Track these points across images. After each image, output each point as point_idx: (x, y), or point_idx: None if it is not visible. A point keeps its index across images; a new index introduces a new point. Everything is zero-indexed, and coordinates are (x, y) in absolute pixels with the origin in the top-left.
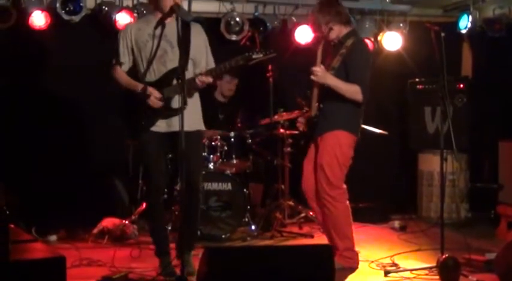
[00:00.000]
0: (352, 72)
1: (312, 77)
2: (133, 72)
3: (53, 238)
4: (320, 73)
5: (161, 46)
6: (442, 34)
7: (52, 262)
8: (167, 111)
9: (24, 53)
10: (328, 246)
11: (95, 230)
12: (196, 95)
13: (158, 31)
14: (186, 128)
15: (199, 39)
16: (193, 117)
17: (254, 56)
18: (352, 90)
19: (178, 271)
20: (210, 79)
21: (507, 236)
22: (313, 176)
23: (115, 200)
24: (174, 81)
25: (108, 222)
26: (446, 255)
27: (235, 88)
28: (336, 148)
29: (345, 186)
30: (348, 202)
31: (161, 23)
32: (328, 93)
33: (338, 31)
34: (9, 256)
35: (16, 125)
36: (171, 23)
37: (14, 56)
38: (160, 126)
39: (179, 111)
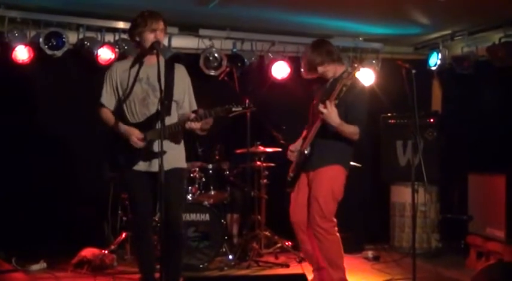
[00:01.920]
0: (353, 113)
1: (324, 115)
2: (121, 110)
3: (34, 267)
4: (333, 113)
5: (144, 89)
6: (413, 71)
7: None
8: (148, 154)
9: (7, 86)
10: (302, 275)
11: (75, 260)
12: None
13: (135, 70)
14: (167, 166)
15: (183, 81)
16: (174, 156)
17: (234, 109)
18: (352, 131)
19: None
20: (198, 125)
21: (476, 266)
22: (304, 209)
23: (95, 230)
24: (157, 125)
25: (88, 252)
26: None
27: (211, 123)
28: (333, 181)
29: (335, 219)
30: (338, 234)
31: (139, 61)
32: (325, 130)
33: (334, 69)
34: None
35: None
36: (154, 65)
37: None
38: (143, 166)
39: (159, 154)
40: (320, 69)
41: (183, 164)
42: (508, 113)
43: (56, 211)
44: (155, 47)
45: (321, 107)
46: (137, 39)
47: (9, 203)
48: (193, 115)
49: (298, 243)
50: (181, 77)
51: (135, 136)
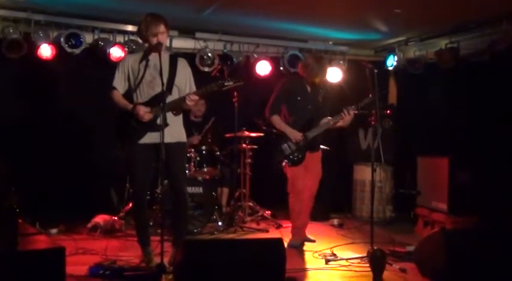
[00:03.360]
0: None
1: (345, 119)
2: (129, 95)
3: (54, 231)
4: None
5: (151, 73)
6: (375, 71)
7: (54, 252)
8: (154, 127)
9: (33, 79)
10: (279, 239)
11: (89, 225)
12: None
13: (143, 64)
14: (171, 139)
15: (184, 70)
16: (176, 130)
17: (226, 84)
18: None
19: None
20: (196, 97)
21: (423, 233)
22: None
23: (106, 200)
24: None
25: (100, 218)
26: (375, 247)
27: (204, 108)
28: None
29: None
30: None
31: (145, 57)
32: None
33: None
34: (18, 246)
35: (27, 139)
36: (162, 56)
37: (25, 81)
38: (148, 138)
39: (168, 125)
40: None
41: (184, 138)
42: (451, 107)
43: (74, 183)
44: (157, 47)
45: (346, 112)
46: (143, 40)
47: (34, 175)
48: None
49: (299, 208)
50: (183, 68)
51: (142, 110)
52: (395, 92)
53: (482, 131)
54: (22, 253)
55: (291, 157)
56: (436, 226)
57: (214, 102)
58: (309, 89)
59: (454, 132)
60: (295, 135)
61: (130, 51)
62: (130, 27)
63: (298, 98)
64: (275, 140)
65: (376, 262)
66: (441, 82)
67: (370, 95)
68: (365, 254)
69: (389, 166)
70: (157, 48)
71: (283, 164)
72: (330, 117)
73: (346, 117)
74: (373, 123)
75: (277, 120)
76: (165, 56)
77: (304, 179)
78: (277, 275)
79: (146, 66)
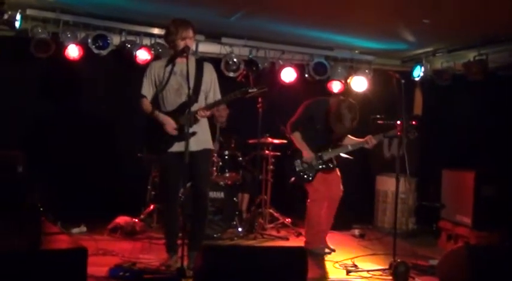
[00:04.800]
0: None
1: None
2: (157, 101)
3: (76, 230)
4: None
5: (178, 81)
6: (403, 81)
7: (76, 252)
8: (182, 136)
9: (60, 79)
10: (302, 248)
11: (110, 226)
12: (206, 120)
13: (169, 68)
14: (196, 147)
15: (210, 76)
16: (202, 138)
17: (250, 91)
18: None
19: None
20: (207, 113)
21: (446, 246)
22: None
23: (127, 202)
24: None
25: (121, 219)
26: (399, 260)
27: (226, 114)
28: None
29: None
30: None
31: (172, 61)
32: None
33: None
34: (41, 245)
35: (52, 138)
36: (185, 63)
37: (51, 81)
38: (176, 147)
39: (187, 136)
40: None
41: (210, 145)
42: (478, 120)
43: (97, 183)
44: (185, 51)
45: (369, 142)
46: (171, 44)
47: (57, 174)
48: (212, 100)
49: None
50: (209, 73)
51: (170, 125)
52: (421, 103)
53: (510, 146)
54: (45, 252)
55: (301, 173)
56: (460, 240)
57: (239, 108)
58: None
59: (480, 145)
60: (308, 155)
61: (156, 55)
62: (157, 30)
63: (318, 127)
64: (291, 154)
65: (400, 275)
66: (468, 94)
67: (398, 131)
68: (387, 267)
69: (413, 177)
70: (184, 52)
71: (292, 179)
72: (349, 146)
73: (367, 146)
74: (398, 133)
75: (296, 137)
76: (192, 61)
77: (325, 188)
78: None
79: (171, 72)
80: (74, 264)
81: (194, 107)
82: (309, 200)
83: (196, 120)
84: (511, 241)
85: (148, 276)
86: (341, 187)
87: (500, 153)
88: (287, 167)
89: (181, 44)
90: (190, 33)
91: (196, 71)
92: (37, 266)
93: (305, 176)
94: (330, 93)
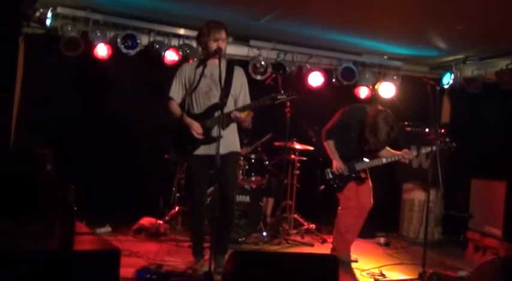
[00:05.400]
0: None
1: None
2: (185, 104)
3: (101, 230)
4: None
5: (207, 83)
6: (438, 88)
7: (109, 253)
8: (208, 139)
9: (88, 77)
10: (333, 256)
11: (135, 227)
12: (234, 124)
13: (200, 70)
14: (223, 150)
15: (239, 80)
16: (230, 141)
17: (279, 97)
18: None
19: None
20: (242, 115)
21: (474, 257)
22: None
23: (153, 203)
24: (216, 114)
25: (146, 220)
26: (431, 271)
27: (250, 120)
28: None
29: None
30: None
31: (203, 63)
32: None
33: None
34: (73, 246)
35: (79, 137)
36: (217, 65)
37: (80, 79)
38: (204, 150)
39: (217, 139)
40: None
41: (238, 148)
42: (508, 129)
43: (122, 184)
44: (218, 53)
45: (405, 157)
46: (203, 45)
47: (84, 173)
48: (241, 105)
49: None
50: (239, 77)
51: (197, 130)
52: (449, 111)
53: None
54: (78, 252)
55: (331, 182)
56: (489, 252)
57: (266, 112)
58: None
59: (510, 155)
60: (338, 165)
61: (184, 56)
62: (185, 31)
63: (353, 135)
64: (322, 161)
65: None
66: (499, 103)
67: (433, 147)
68: (416, 277)
69: (438, 186)
70: (217, 53)
71: (321, 187)
72: (384, 159)
73: (403, 160)
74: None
75: (329, 145)
76: (223, 64)
77: (356, 198)
78: None
79: (202, 74)
80: (107, 265)
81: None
82: (340, 208)
83: (228, 123)
84: None
85: (175, 279)
86: (371, 198)
87: None
88: (318, 174)
89: (213, 45)
90: (223, 35)
91: (226, 74)
92: (70, 267)
93: (335, 185)
94: (358, 99)
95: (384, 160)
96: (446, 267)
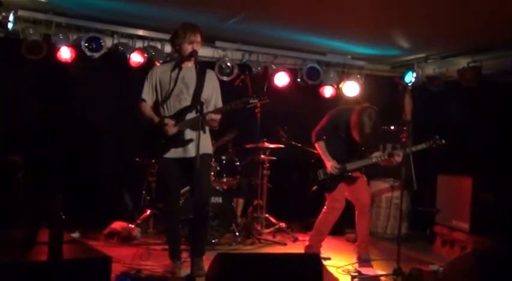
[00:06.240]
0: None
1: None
2: (156, 107)
3: (75, 235)
4: None
5: (178, 86)
6: (409, 87)
7: (100, 261)
8: (180, 142)
9: (52, 81)
10: (317, 255)
11: (106, 231)
12: (206, 126)
13: (175, 73)
14: (195, 153)
15: (211, 83)
16: (202, 144)
17: (251, 101)
18: None
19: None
20: (217, 117)
21: (441, 251)
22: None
23: (121, 207)
24: (187, 117)
25: (117, 225)
26: (412, 267)
27: (218, 120)
28: None
29: None
30: None
31: (178, 66)
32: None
33: None
34: (62, 254)
35: (43, 141)
36: (191, 68)
37: (43, 83)
38: (175, 153)
39: (196, 139)
40: None
41: (210, 150)
42: (470, 126)
43: (90, 188)
44: (193, 55)
45: (396, 158)
46: (177, 47)
47: (51, 181)
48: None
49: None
50: (211, 80)
51: (169, 124)
52: (411, 108)
53: (504, 151)
54: (68, 261)
55: (323, 183)
56: (456, 245)
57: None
58: None
59: (472, 151)
60: (331, 165)
61: (149, 58)
62: (150, 33)
63: (342, 135)
64: (314, 163)
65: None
66: (461, 101)
67: (430, 142)
68: (390, 272)
69: (407, 183)
70: (192, 56)
71: (314, 188)
72: (375, 156)
73: (393, 161)
74: (404, 140)
75: (321, 146)
76: (194, 68)
77: (344, 198)
78: None
79: (177, 77)
80: (98, 273)
81: (192, 115)
82: (325, 208)
83: (204, 125)
84: (509, 246)
85: None
86: (369, 196)
87: (494, 158)
88: (310, 176)
89: (188, 48)
90: (199, 37)
91: (197, 78)
92: (60, 277)
93: (326, 185)
94: (323, 99)
95: (373, 159)
96: (417, 261)
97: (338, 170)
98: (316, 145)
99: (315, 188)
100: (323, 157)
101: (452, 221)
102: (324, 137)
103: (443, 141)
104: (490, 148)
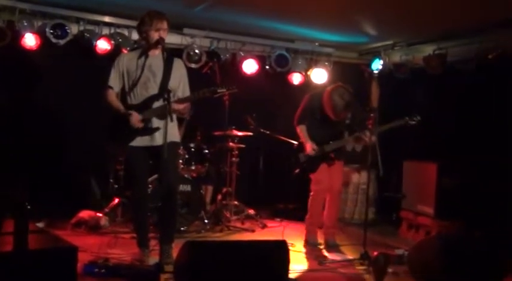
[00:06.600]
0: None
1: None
2: (123, 94)
3: (41, 224)
4: None
5: (145, 74)
6: (375, 74)
7: (66, 250)
8: (147, 130)
9: (16, 69)
10: (284, 242)
11: (73, 220)
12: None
13: (142, 61)
14: (162, 141)
15: (179, 72)
16: (169, 132)
17: (219, 90)
18: None
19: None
20: (182, 106)
21: (407, 235)
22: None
23: (89, 195)
24: (154, 105)
25: (85, 214)
26: (379, 252)
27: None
28: None
29: None
30: None
31: (145, 53)
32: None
33: None
34: (27, 245)
35: (7, 129)
36: (158, 56)
37: (7, 70)
38: (141, 141)
39: (160, 128)
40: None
41: (177, 138)
42: (437, 112)
43: (56, 177)
44: (160, 43)
45: (368, 136)
46: (143, 35)
47: (16, 169)
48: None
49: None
50: (178, 68)
51: (135, 118)
52: (377, 95)
53: (468, 137)
54: (34, 251)
55: (304, 165)
56: (421, 229)
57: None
58: None
59: (439, 137)
60: (309, 147)
61: (117, 45)
62: (117, 20)
63: (318, 118)
64: (297, 147)
65: (380, 267)
66: (427, 88)
67: (406, 119)
68: (357, 257)
69: (373, 168)
70: (159, 43)
71: (296, 171)
72: (350, 137)
73: (365, 139)
74: (370, 126)
75: (300, 130)
76: (161, 56)
77: (327, 181)
78: (280, 277)
79: (144, 65)
80: (64, 263)
81: (159, 103)
82: (311, 192)
83: (171, 113)
84: (472, 230)
85: (126, 272)
86: (341, 182)
87: (459, 144)
88: (293, 160)
89: (155, 35)
90: (165, 25)
91: (164, 67)
92: (26, 267)
93: (307, 168)
94: (291, 86)
95: (350, 139)
96: (384, 246)
97: (315, 152)
98: (297, 129)
99: (297, 171)
100: (303, 139)
101: (417, 206)
102: (305, 121)
103: (418, 117)
104: (455, 134)
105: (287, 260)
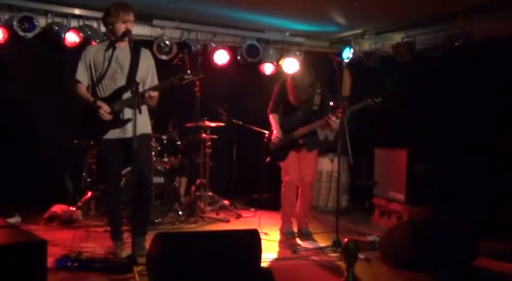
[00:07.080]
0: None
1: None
2: (92, 87)
3: (11, 220)
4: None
5: (112, 66)
6: (344, 64)
7: (36, 245)
8: (117, 122)
9: None
10: (255, 231)
11: (46, 215)
12: (144, 106)
13: (109, 53)
14: (136, 132)
15: (147, 62)
16: (140, 124)
17: (186, 77)
18: None
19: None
20: (155, 94)
21: (379, 222)
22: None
23: (62, 189)
24: (123, 97)
25: (57, 208)
26: (346, 239)
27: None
28: None
29: None
30: None
31: (112, 46)
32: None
33: None
34: None
35: None
36: (124, 47)
37: None
38: (114, 134)
39: (132, 120)
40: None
41: (149, 130)
42: (406, 100)
43: (28, 172)
44: (127, 35)
45: (333, 119)
46: (110, 27)
47: None
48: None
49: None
50: (146, 58)
51: (104, 110)
52: (349, 83)
53: (437, 124)
54: (1, 246)
55: (273, 153)
56: (393, 216)
57: (175, 92)
58: None
59: (409, 124)
60: (275, 134)
61: (85, 37)
62: (85, 12)
63: (286, 105)
64: (268, 137)
65: (350, 253)
66: (396, 75)
67: (367, 101)
68: (330, 244)
69: (345, 156)
70: (126, 35)
71: (267, 160)
72: (317, 123)
73: (330, 122)
74: (340, 115)
75: (271, 118)
76: (128, 47)
77: (296, 170)
78: (253, 266)
79: (111, 58)
80: (34, 257)
81: (128, 94)
82: (282, 184)
83: (140, 105)
84: (442, 215)
85: (98, 265)
86: (313, 173)
87: (428, 131)
88: (264, 148)
89: (121, 27)
90: (132, 16)
91: (133, 57)
92: None
93: (277, 155)
94: (263, 76)
95: (317, 124)
96: (356, 233)
97: (279, 140)
98: (269, 117)
99: (268, 159)
100: (273, 128)
101: (389, 193)
102: (277, 110)
103: (379, 98)
104: (424, 121)
105: (259, 249)
